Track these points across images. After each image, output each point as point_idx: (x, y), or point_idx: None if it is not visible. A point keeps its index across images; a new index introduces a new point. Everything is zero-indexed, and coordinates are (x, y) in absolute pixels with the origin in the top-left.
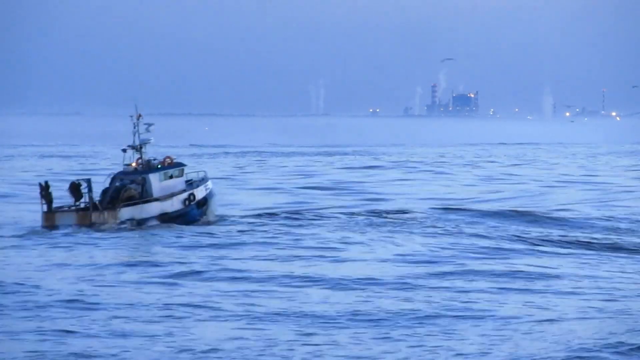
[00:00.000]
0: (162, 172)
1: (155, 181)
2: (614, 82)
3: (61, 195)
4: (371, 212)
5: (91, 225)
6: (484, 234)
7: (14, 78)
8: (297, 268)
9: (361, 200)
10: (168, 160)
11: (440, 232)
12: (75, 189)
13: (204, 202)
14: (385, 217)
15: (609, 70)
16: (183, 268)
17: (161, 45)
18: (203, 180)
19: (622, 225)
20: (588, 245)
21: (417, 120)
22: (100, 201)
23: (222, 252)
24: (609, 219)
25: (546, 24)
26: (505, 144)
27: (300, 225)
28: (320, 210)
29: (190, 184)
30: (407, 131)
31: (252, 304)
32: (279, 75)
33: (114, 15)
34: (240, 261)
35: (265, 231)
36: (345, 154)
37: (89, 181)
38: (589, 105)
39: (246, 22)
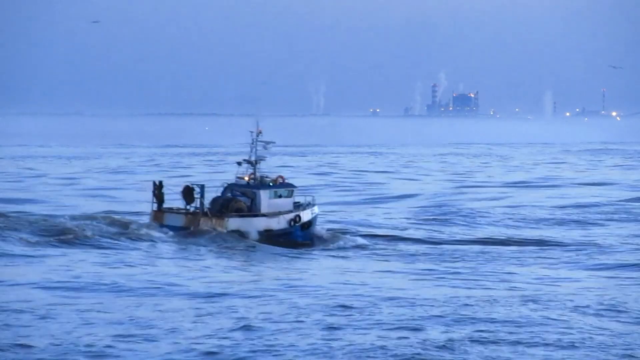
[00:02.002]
0: (272, 190)
1: (265, 197)
2: (614, 82)
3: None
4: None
5: (198, 230)
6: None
7: (14, 78)
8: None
9: None
10: (280, 180)
11: None
12: (188, 192)
13: (309, 225)
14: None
15: (609, 70)
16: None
17: (161, 45)
18: (310, 204)
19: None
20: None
21: (417, 120)
22: (209, 209)
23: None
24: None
25: (546, 24)
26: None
27: None
28: None
29: (298, 206)
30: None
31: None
32: (279, 75)
33: (115, 15)
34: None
35: None
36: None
37: (202, 187)
38: (589, 105)
39: (246, 22)
